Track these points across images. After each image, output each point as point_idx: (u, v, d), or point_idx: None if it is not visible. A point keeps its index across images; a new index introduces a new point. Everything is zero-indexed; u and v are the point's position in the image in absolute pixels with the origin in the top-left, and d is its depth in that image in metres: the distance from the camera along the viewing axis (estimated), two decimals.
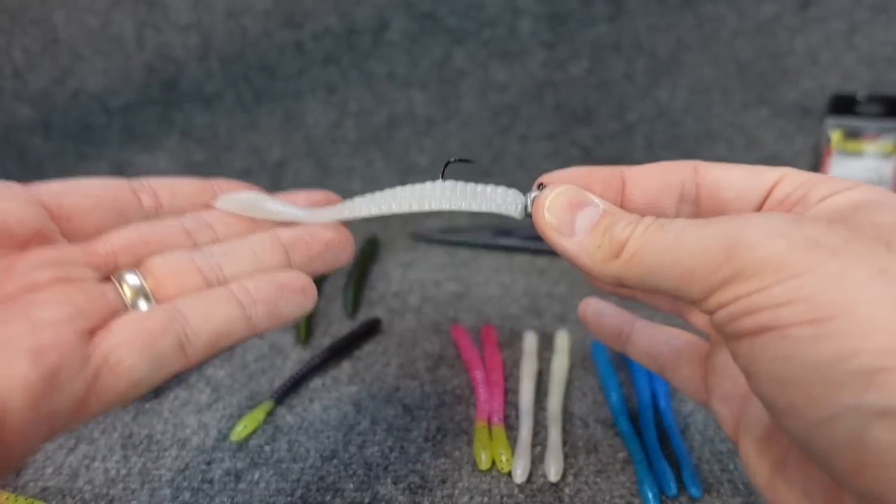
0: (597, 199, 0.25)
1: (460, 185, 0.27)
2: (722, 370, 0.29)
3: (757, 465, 0.25)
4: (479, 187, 0.27)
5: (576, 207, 0.25)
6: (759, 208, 0.25)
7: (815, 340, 0.19)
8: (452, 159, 0.28)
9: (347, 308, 0.54)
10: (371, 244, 0.66)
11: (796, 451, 0.23)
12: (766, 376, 0.20)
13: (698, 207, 0.27)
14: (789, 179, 0.25)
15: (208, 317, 0.24)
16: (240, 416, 0.41)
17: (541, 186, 0.27)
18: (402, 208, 0.28)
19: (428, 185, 0.28)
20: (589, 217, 0.25)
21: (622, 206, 0.27)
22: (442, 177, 0.28)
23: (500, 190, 0.27)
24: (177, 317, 0.24)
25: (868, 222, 0.21)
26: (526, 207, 0.27)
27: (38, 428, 0.20)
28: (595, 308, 0.36)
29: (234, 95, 0.72)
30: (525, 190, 0.27)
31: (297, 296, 0.27)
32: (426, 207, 0.28)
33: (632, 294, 0.32)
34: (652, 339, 0.33)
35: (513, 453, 0.37)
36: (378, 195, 0.28)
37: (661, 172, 0.27)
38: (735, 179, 0.26)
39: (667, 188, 0.26)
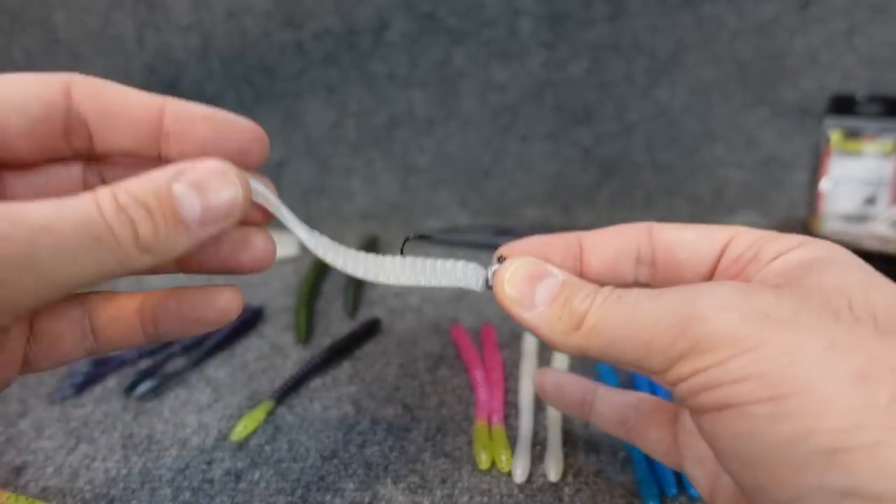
0: (556, 270, 0.25)
1: (420, 260, 0.28)
2: (693, 431, 0.28)
3: None
4: (440, 262, 0.27)
5: (535, 279, 0.25)
6: (713, 269, 0.26)
7: (773, 419, 0.19)
8: (410, 236, 0.29)
9: (347, 308, 0.54)
10: (371, 244, 0.66)
11: None
12: (731, 453, 0.20)
13: (655, 269, 0.27)
14: (740, 239, 0.25)
15: None
16: (240, 416, 0.41)
17: (500, 259, 0.27)
18: (366, 276, 0.28)
19: (388, 259, 0.28)
20: (548, 288, 0.25)
21: (582, 274, 0.27)
22: (402, 252, 0.28)
23: (461, 265, 0.27)
24: None
25: (816, 286, 0.21)
26: (487, 281, 0.27)
27: None
28: (553, 379, 0.34)
29: (234, 95, 0.72)
30: (486, 263, 0.28)
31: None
32: (389, 281, 0.27)
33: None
34: (617, 405, 0.32)
35: (513, 453, 0.37)
36: (349, 256, 0.27)
37: (617, 237, 0.27)
38: (688, 241, 0.26)
39: (623, 253, 0.27)
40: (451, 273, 0.27)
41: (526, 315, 0.25)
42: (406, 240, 0.29)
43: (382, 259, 0.28)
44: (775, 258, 0.24)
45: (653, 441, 0.31)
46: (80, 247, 0.18)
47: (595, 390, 0.33)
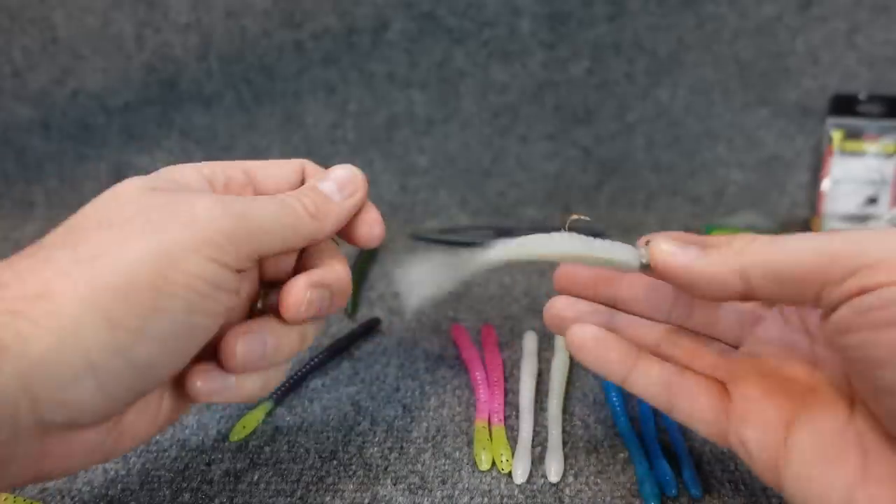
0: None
1: (588, 238, 0.31)
2: (754, 397, 0.29)
3: (811, 487, 0.26)
4: (598, 241, 0.31)
5: (686, 241, 0.28)
6: None
7: None
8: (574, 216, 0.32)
9: (347, 308, 0.54)
10: None
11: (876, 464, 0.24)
12: (888, 367, 0.22)
13: None
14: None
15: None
16: (239, 417, 0.41)
17: (647, 243, 0.29)
18: (535, 250, 0.32)
19: (557, 235, 0.32)
20: (700, 245, 0.28)
21: None
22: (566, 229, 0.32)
23: (618, 244, 0.30)
24: None
25: None
26: (641, 258, 0.29)
27: None
28: (594, 334, 0.32)
29: (233, 95, 0.72)
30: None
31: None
32: (558, 255, 0.31)
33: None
34: (664, 366, 0.32)
35: (513, 453, 0.37)
36: (523, 240, 0.32)
37: None
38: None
39: None
40: (611, 250, 0.30)
41: (687, 258, 0.27)
42: (569, 221, 0.32)
43: (555, 235, 0.32)
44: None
45: (700, 408, 0.30)
46: (282, 216, 0.29)
47: (638, 351, 0.32)
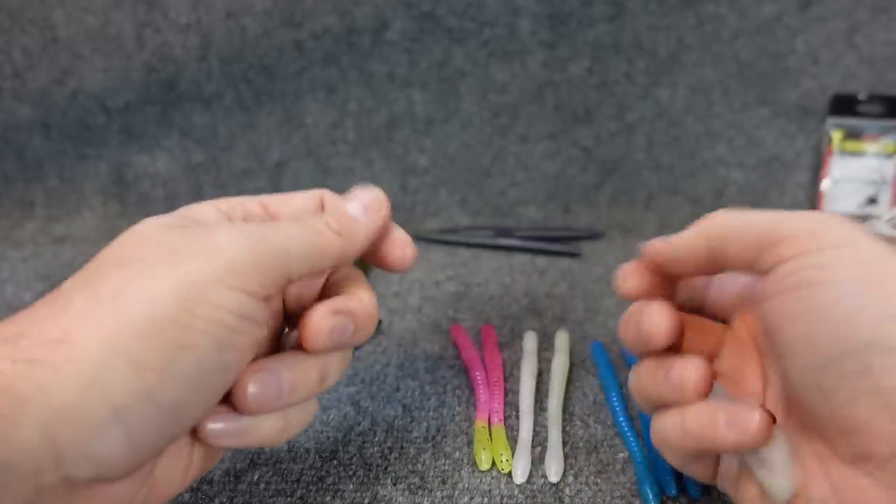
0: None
1: None
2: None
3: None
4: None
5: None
6: None
7: (857, 293, 0.24)
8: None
9: None
10: None
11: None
12: (802, 319, 0.25)
13: None
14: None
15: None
16: None
17: None
18: None
19: None
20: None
21: None
22: None
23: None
24: None
25: None
26: None
27: None
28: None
29: (233, 95, 0.72)
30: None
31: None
32: None
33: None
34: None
35: (513, 453, 0.37)
36: None
37: None
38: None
39: None
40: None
41: (672, 239, 0.30)
42: None
43: None
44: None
45: None
46: (306, 237, 0.28)
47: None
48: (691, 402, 0.28)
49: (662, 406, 0.30)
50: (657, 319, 0.29)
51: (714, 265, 0.29)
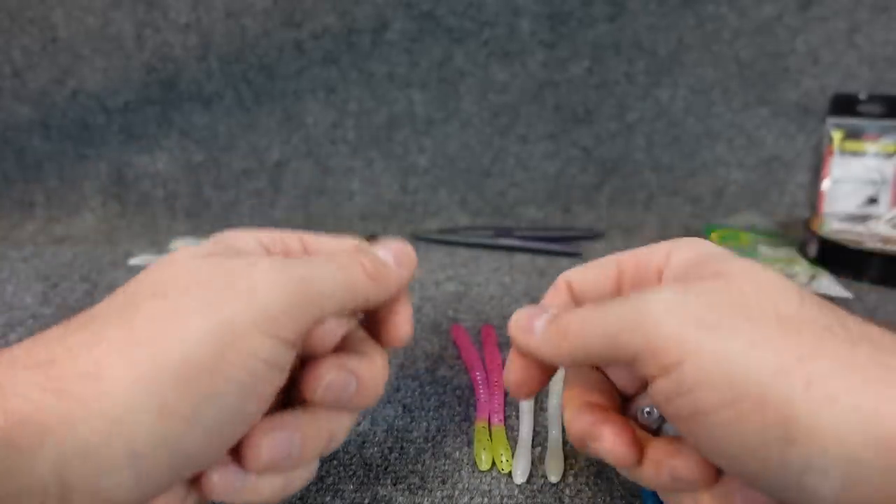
0: (552, 308, 0.29)
1: None
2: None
3: None
4: None
5: (534, 317, 0.29)
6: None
7: (735, 421, 0.22)
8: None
9: None
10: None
11: None
12: (715, 452, 0.23)
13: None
14: (627, 265, 0.30)
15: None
16: None
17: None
18: None
19: None
20: (543, 320, 0.28)
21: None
22: None
23: None
24: None
25: (724, 287, 0.24)
26: None
27: None
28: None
29: (233, 95, 0.72)
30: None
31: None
32: None
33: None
34: None
35: (513, 453, 0.37)
36: None
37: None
38: (590, 281, 0.32)
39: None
40: None
41: (534, 339, 0.28)
42: None
43: None
44: (665, 266, 0.28)
45: None
46: (341, 277, 0.27)
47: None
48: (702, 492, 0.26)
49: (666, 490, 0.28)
50: (614, 446, 0.27)
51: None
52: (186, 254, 0.26)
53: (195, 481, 0.26)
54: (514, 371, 0.30)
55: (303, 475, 0.28)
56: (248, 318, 0.24)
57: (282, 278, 0.25)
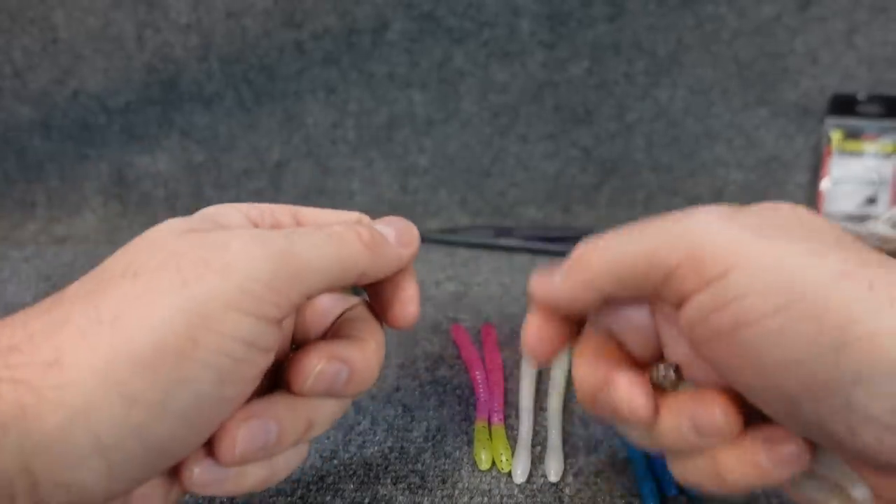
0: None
1: None
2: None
3: None
4: None
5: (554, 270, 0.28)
6: None
7: (783, 330, 0.20)
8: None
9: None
10: None
11: None
12: (748, 370, 0.22)
13: None
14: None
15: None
16: None
17: None
18: None
19: None
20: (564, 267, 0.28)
21: None
22: None
23: None
24: None
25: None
26: None
27: None
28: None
29: (234, 95, 0.72)
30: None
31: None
32: None
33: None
34: None
35: (513, 453, 0.37)
36: None
37: None
38: None
39: None
40: None
41: (556, 284, 0.27)
42: None
43: None
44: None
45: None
46: (333, 248, 0.25)
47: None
48: (720, 447, 0.24)
49: (681, 451, 0.26)
50: (630, 393, 0.25)
51: (612, 301, 0.26)
52: (165, 229, 0.25)
53: (176, 473, 0.25)
54: (533, 329, 0.29)
55: (288, 462, 0.27)
56: (223, 295, 0.22)
57: (261, 251, 0.23)
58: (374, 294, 0.30)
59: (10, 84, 0.72)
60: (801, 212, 0.24)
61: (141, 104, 0.72)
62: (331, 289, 0.26)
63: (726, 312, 0.21)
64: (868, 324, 0.20)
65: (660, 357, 0.28)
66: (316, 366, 0.25)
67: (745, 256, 0.21)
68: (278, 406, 0.26)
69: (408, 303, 0.29)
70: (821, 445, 0.23)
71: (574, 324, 0.29)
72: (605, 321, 0.28)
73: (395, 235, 0.28)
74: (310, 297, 0.25)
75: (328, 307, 0.29)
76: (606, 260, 0.25)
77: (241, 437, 0.24)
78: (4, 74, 0.72)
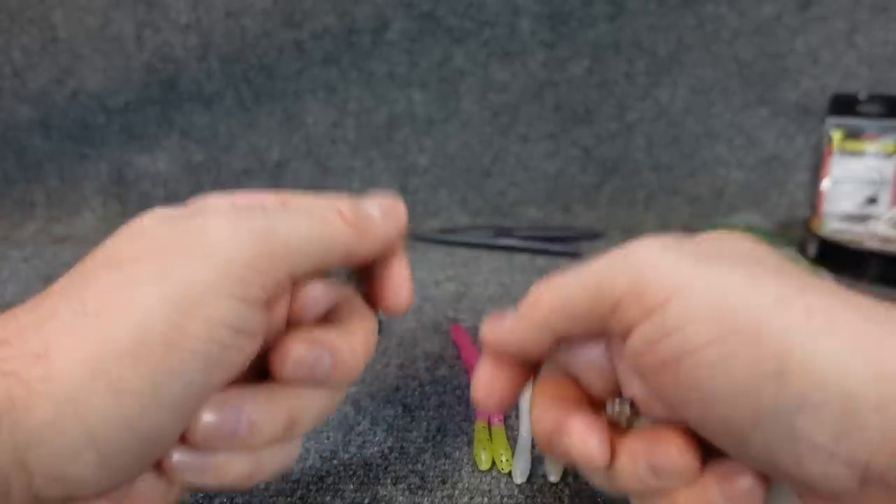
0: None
1: None
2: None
3: None
4: None
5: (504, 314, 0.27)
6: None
7: (724, 359, 0.20)
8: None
9: None
10: None
11: None
12: (692, 402, 0.22)
13: None
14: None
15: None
16: None
17: None
18: None
19: None
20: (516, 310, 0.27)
21: None
22: None
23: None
24: None
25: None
26: None
27: None
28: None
29: (233, 95, 0.72)
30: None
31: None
32: None
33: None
34: None
35: (513, 453, 0.37)
36: None
37: None
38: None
39: None
40: None
41: (508, 326, 0.27)
42: None
43: None
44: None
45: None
46: (316, 227, 0.25)
47: None
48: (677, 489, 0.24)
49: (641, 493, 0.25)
50: (583, 440, 0.24)
51: (564, 342, 0.26)
52: (150, 218, 0.24)
53: (164, 468, 0.24)
54: (482, 376, 0.28)
55: (274, 459, 0.26)
56: (207, 280, 0.22)
57: (241, 232, 0.23)
58: (367, 281, 0.30)
59: (9, 84, 0.72)
60: (745, 241, 0.24)
61: (141, 104, 0.72)
62: (317, 269, 0.26)
63: (668, 342, 0.21)
64: (804, 352, 0.19)
65: (617, 394, 0.27)
66: (296, 351, 0.25)
67: (685, 285, 0.21)
68: (256, 395, 0.25)
69: (400, 287, 0.29)
70: (773, 478, 0.22)
71: (526, 369, 0.29)
72: (561, 361, 0.28)
73: (381, 213, 0.28)
74: (296, 278, 0.25)
75: (321, 296, 0.28)
76: (555, 298, 0.25)
77: (205, 421, 0.23)
78: (4, 74, 0.72)
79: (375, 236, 0.27)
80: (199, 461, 0.24)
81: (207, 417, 0.23)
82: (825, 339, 0.19)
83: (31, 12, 0.70)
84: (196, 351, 0.21)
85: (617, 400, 0.26)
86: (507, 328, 0.27)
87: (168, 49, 0.70)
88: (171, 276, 0.22)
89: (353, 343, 0.26)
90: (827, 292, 0.21)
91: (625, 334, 0.23)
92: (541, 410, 0.26)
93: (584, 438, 0.24)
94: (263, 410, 0.24)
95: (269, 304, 0.24)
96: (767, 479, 0.23)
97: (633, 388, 0.26)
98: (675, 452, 0.23)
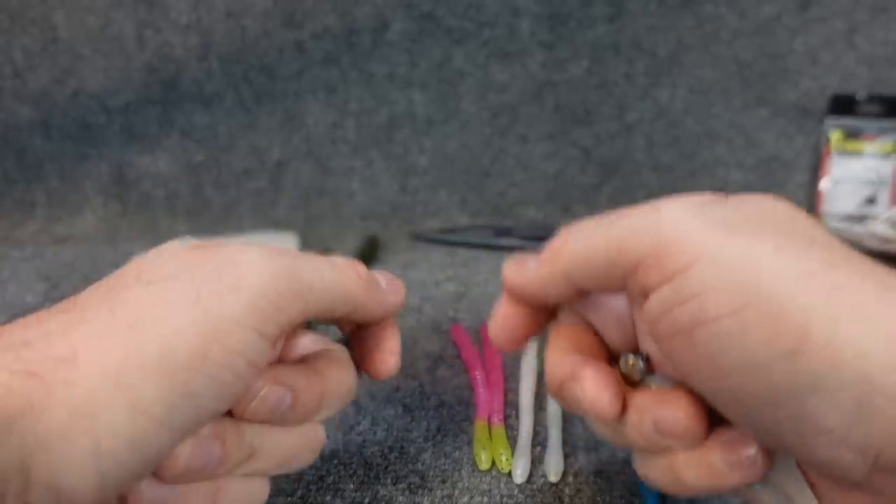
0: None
1: None
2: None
3: None
4: None
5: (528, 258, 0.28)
6: None
7: (741, 332, 0.20)
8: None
9: None
10: (371, 244, 0.66)
11: None
12: (704, 372, 0.21)
13: None
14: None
15: None
16: None
17: None
18: None
19: None
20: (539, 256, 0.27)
21: None
22: None
23: None
24: None
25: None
26: None
27: None
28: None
29: (233, 95, 0.72)
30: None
31: None
32: None
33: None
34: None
35: (513, 453, 0.37)
36: None
37: None
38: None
39: None
40: None
41: (529, 273, 0.27)
42: None
43: None
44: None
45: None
46: (336, 277, 0.27)
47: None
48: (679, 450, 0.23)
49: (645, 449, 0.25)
50: (595, 390, 0.24)
51: (584, 292, 0.26)
52: (175, 244, 0.25)
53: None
54: (500, 316, 0.29)
55: (236, 498, 0.25)
56: (235, 310, 0.22)
57: (270, 266, 0.24)
58: (357, 342, 0.31)
59: (10, 84, 0.72)
60: (781, 206, 0.23)
61: (141, 104, 0.72)
62: (326, 314, 0.27)
63: (685, 309, 0.21)
64: (824, 331, 0.19)
65: (634, 348, 0.27)
66: (261, 389, 0.25)
67: (708, 253, 0.20)
68: (226, 427, 0.24)
69: (390, 354, 0.30)
70: (779, 454, 0.23)
71: (544, 313, 0.29)
72: (581, 309, 0.28)
73: (385, 284, 0.30)
74: (306, 317, 0.26)
75: (309, 344, 0.29)
76: (577, 251, 0.24)
77: (184, 453, 0.23)
78: (4, 74, 0.72)
79: (380, 300, 0.29)
80: (160, 493, 0.23)
81: (187, 452, 0.23)
82: (847, 322, 0.19)
83: (32, 13, 0.70)
84: (213, 377, 0.22)
85: (632, 354, 0.26)
86: (527, 273, 0.27)
87: (168, 49, 0.70)
88: (204, 302, 0.22)
89: (313, 384, 0.26)
90: (856, 270, 0.20)
91: (643, 295, 0.22)
92: (556, 356, 0.26)
93: (596, 388, 0.24)
94: (232, 443, 0.24)
95: (277, 341, 0.25)
96: (772, 451, 0.23)
97: (650, 344, 0.25)
98: (681, 416, 0.23)
